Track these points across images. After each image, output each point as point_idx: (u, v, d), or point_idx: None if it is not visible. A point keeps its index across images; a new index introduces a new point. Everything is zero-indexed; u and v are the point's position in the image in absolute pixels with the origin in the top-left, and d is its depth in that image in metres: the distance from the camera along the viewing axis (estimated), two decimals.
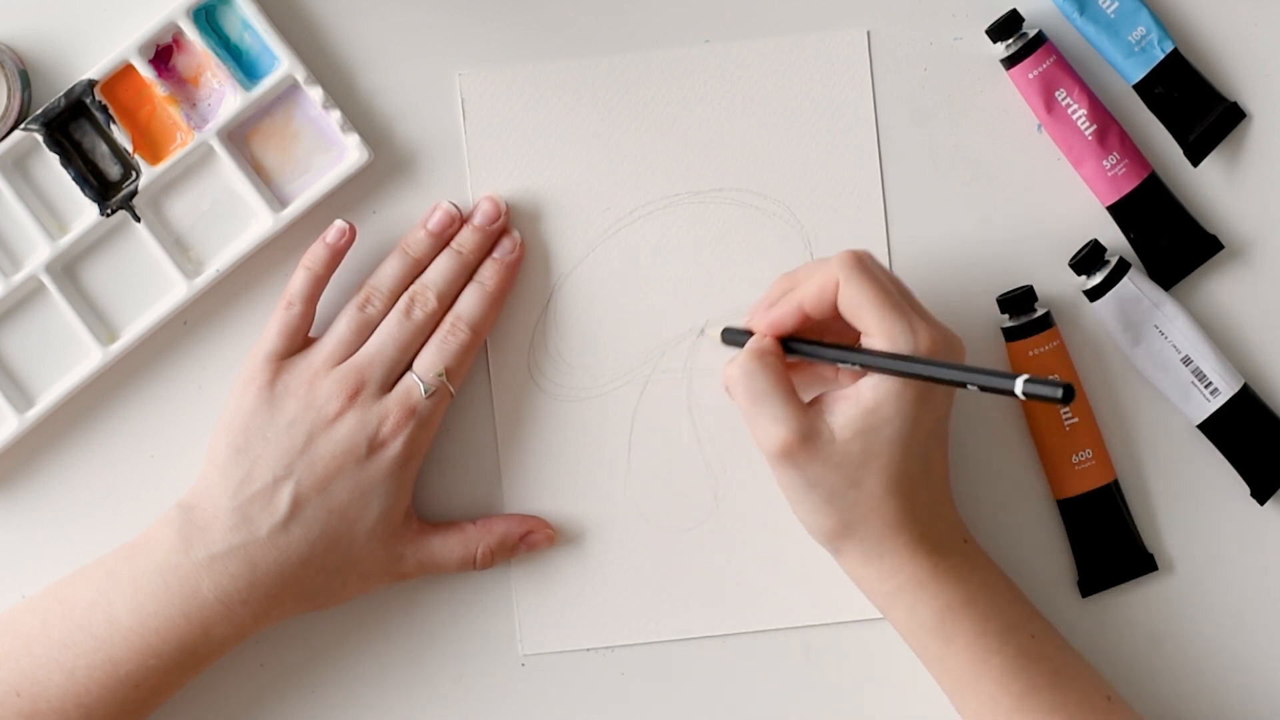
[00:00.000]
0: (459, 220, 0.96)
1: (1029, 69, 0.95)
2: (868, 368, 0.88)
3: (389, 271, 0.95)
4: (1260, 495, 0.97)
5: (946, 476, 0.91)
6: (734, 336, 0.93)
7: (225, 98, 0.96)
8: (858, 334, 0.89)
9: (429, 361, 0.94)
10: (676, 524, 0.98)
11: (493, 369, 0.97)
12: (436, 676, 0.98)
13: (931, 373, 0.86)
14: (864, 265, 0.88)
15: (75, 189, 0.96)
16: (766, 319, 0.90)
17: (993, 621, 0.89)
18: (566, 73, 0.97)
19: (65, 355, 0.96)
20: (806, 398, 0.90)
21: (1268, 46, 0.97)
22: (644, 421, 0.97)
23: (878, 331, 0.87)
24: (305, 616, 0.96)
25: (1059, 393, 0.80)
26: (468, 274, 0.95)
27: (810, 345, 0.90)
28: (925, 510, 0.89)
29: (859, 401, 0.87)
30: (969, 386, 0.85)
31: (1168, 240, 0.97)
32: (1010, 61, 0.96)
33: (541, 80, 0.97)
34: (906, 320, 0.87)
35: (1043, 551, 0.98)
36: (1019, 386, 0.82)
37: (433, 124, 0.97)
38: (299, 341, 0.94)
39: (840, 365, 0.89)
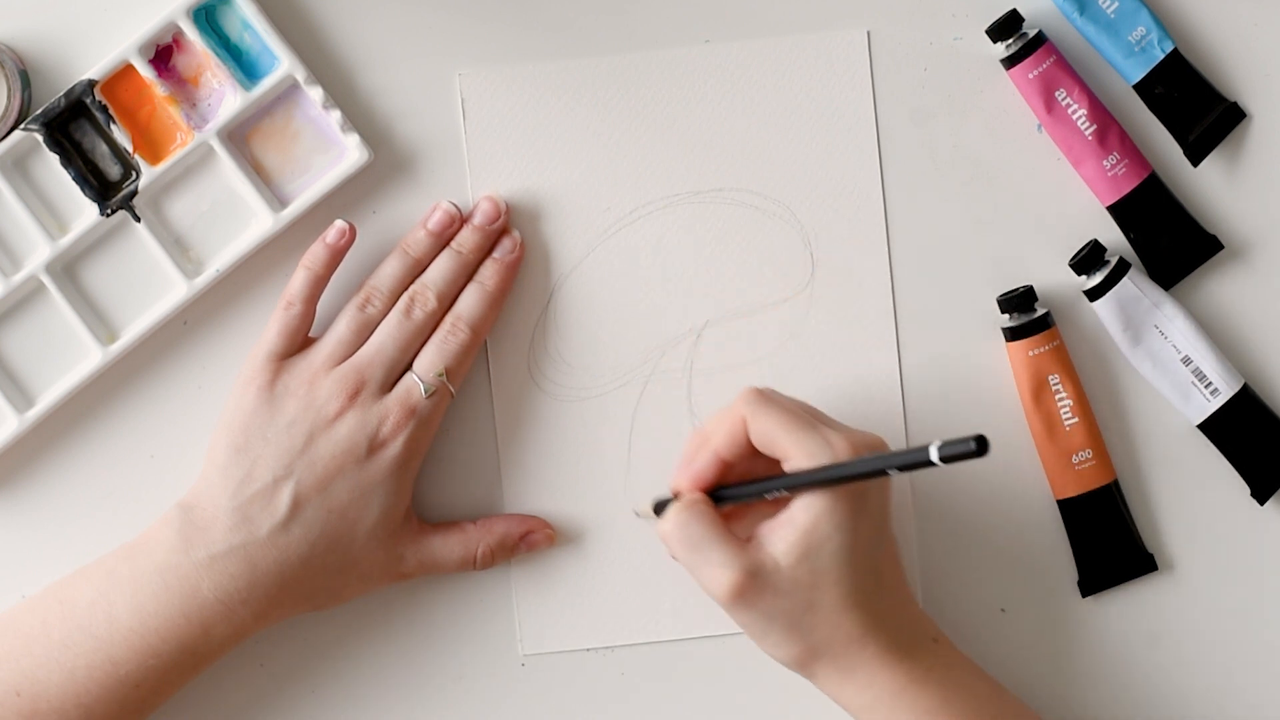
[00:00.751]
0: (459, 220, 0.96)
1: (1029, 69, 0.95)
2: (794, 489, 0.88)
3: (389, 271, 0.95)
4: (1260, 495, 0.97)
5: (902, 578, 0.91)
6: (664, 505, 0.92)
7: (225, 98, 0.96)
8: (778, 465, 0.89)
9: (429, 361, 0.94)
10: None
11: (493, 369, 0.97)
12: (436, 676, 0.98)
13: (854, 470, 0.86)
14: (765, 396, 0.89)
15: (75, 189, 0.96)
16: (687, 476, 0.90)
17: (972, 719, 0.89)
18: (566, 73, 0.97)
19: (65, 355, 0.96)
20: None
21: (1268, 46, 0.97)
22: (644, 421, 0.97)
23: (795, 452, 0.87)
24: (305, 616, 0.96)
25: (972, 446, 0.80)
26: (468, 274, 0.95)
27: (735, 488, 0.90)
28: (887, 616, 0.89)
29: (795, 525, 0.87)
30: (888, 472, 0.85)
31: (1168, 240, 0.97)
32: (1010, 61, 0.96)
33: (541, 80, 0.97)
34: (819, 434, 0.87)
35: (1043, 551, 0.98)
36: (934, 454, 0.82)
37: (433, 124, 0.97)
38: (299, 341, 0.94)
39: (769, 496, 0.89)
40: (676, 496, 0.91)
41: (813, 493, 0.87)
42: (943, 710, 0.89)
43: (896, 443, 0.97)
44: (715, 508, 0.90)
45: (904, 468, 0.84)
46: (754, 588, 0.87)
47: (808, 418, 0.89)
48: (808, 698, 0.97)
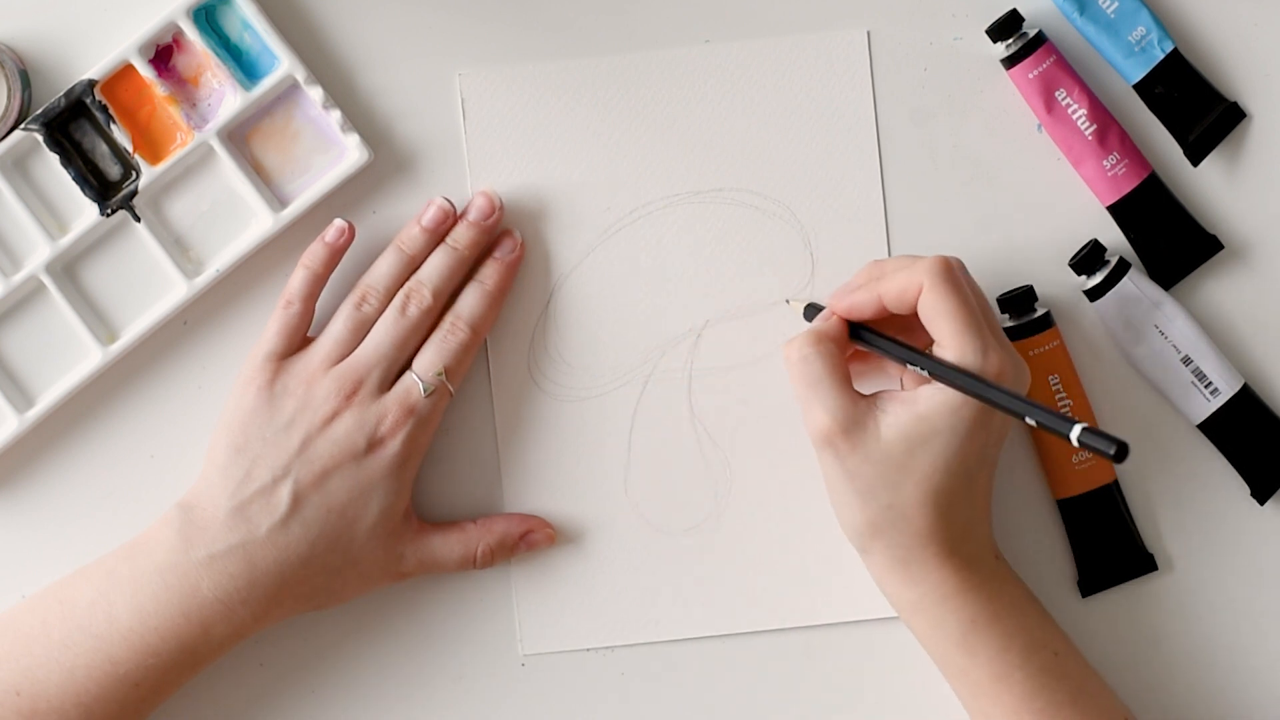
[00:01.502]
0: (453, 216, 0.96)
1: (1029, 69, 0.95)
2: (931, 374, 0.87)
3: (384, 269, 0.95)
4: (1260, 495, 0.97)
5: (989, 497, 0.91)
6: (813, 313, 0.93)
7: (225, 98, 0.96)
8: (927, 337, 0.89)
9: (428, 360, 0.94)
10: (676, 524, 0.98)
11: (493, 369, 0.97)
12: (436, 676, 0.98)
13: (991, 395, 0.86)
14: (951, 275, 0.88)
15: (75, 189, 0.96)
16: (844, 302, 0.91)
17: (1017, 638, 0.89)
18: (566, 73, 0.97)
19: (65, 355, 0.96)
20: (867, 391, 0.90)
21: (1268, 46, 0.97)
22: (644, 421, 0.97)
23: (950, 344, 0.87)
24: (305, 616, 0.96)
25: (1112, 449, 0.81)
26: (463, 270, 0.95)
27: (878, 338, 0.90)
28: (960, 527, 0.89)
29: (913, 407, 0.87)
30: (1026, 419, 0.85)
31: (1168, 240, 0.97)
32: (1010, 61, 0.96)
33: (541, 80, 0.97)
34: (981, 339, 0.87)
35: (1043, 551, 0.98)
36: (1074, 434, 0.82)
37: (433, 124, 0.97)
38: (298, 341, 0.94)
39: (905, 367, 0.89)
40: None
41: (945, 386, 0.87)
42: (989, 622, 0.89)
43: None
44: (845, 346, 0.90)
45: (1041, 425, 0.84)
46: (846, 442, 0.87)
47: (978, 317, 0.88)
48: (808, 698, 0.97)
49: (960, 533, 0.89)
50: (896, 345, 0.90)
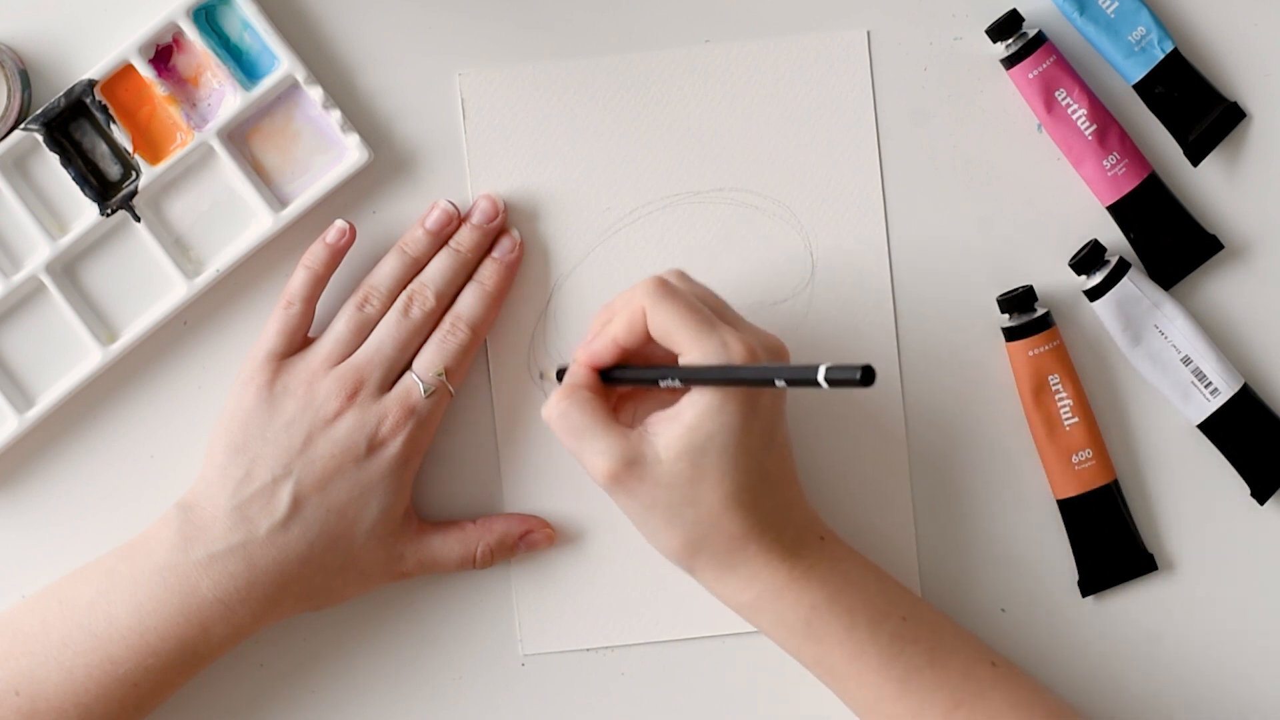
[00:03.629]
0: (457, 219, 0.96)
1: (1029, 69, 0.95)
2: (686, 382, 0.87)
3: (387, 271, 0.95)
4: (1260, 495, 0.97)
5: (793, 478, 0.91)
6: (564, 375, 0.93)
7: (225, 98, 0.96)
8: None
9: (428, 361, 0.94)
10: None
11: (493, 369, 0.97)
12: (436, 676, 0.98)
13: (739, 376, 0.86)
14: (667, 288, 0.88)
15: (75, 189, 0.96)
16: (585, 355, 0.90)
17: (860, 614, 0.88)
18: (566, 73, 0.97)
19: (65, 355, 0.96)
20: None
21: (1268, 46, 0.97)
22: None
23: (691, 349, 0.87)
24: (305, 616, 0.96)
25: (857, 374, 0.79)
26: (466, 273, 0.96)
27: (625, 371, 0.90)
28: (772, 516, 0.89)
29: (680, 420, 0.87)
30: (776, 383, 0.85)
31: (1168, 240, 0.97)
32: (1010, 61, 0.96)
33: (541, 80, 0.97)
34: (717, 335, 0.87)
35: (1043, 551, 0.98)
36: (820, 375, 0.81)
37: (433, 124, 0.97)
38: (298, 341, 0.94)
39: (662, 384, 0.89)
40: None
41: (703, 389, 0.87)
42: (829, 605, 0.88)
43: (895, 445, 0.97)
44: (600, 391, 0.90)
45: (791, 382, 0.84)
46: (633, 476, 0.87)
47: (707, 316, 0.88)
48: (808, 698, 0.97)
49: (775, 522, 0.88)
50: (647, 370, 0.90)
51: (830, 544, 0.90)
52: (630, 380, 0.91)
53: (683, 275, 0.90)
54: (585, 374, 0.90)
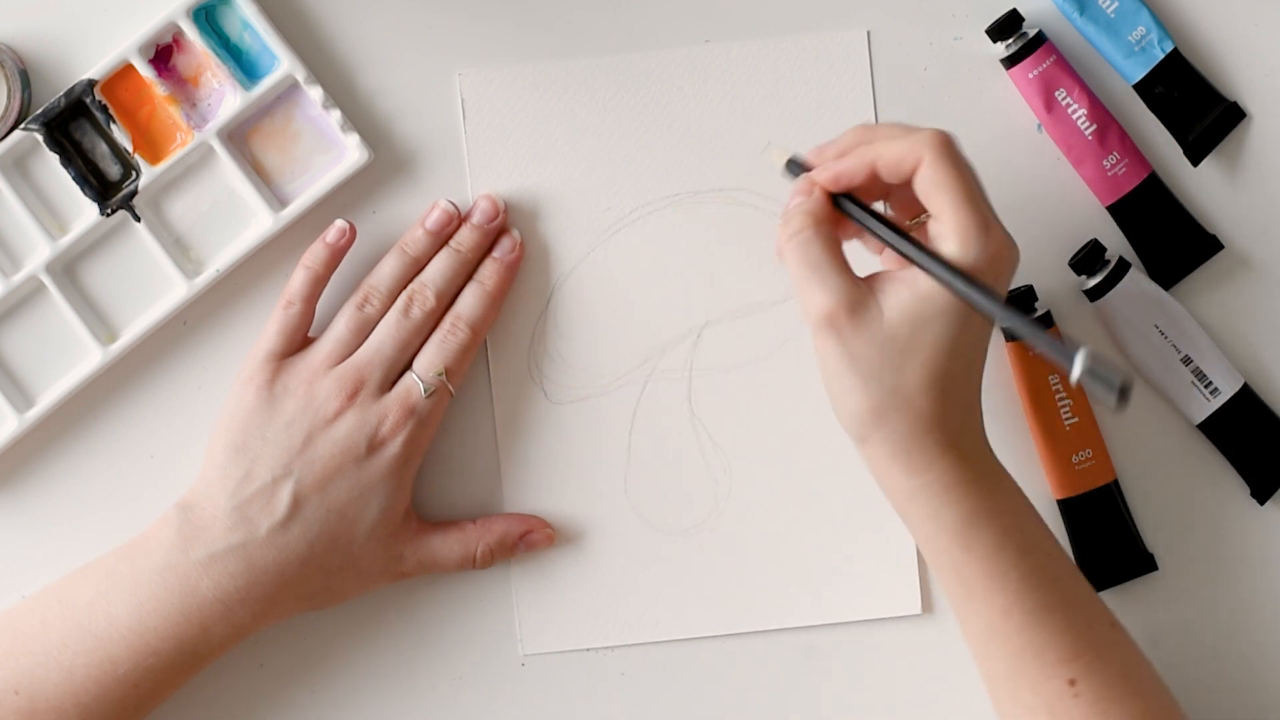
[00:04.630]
0: (457, 219, 0.96)
1: (1029, 69, 0.95)
2: (917, 263, 0.85)
3: (387, 271, 0.95)
4: (1260, 495, 0.97)
5: (980, 390, 0.89)
6: (796, 170, 0.90)
7: (225, 98, 0.96)
8: (915, 206, 0.87)
9: (428, 361, 0.94)
10: (676, 524, 0.98)
11: (493, 369, 0.97)
12: (436, 676, 0.98)
13: (981, 298, 0.83)
14: (953, 149, 0.86)
15: (75, 189, 0.96)
16: (834, 169, 0.88)
17: (1013, 536, 0.87)
18: (566, 73, 0.97)
19: (65, 355, 0.96)
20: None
21: (1268, 46, 0.97)
22: (644, 421, 0.97)
23: (951, 220, 0.85)
24: (305, 616, 0.96)
25: (1117, 387, 0.78)
26: (466, 273, 0.96)
27: (866, 214, 0.87)
28: (960, 414, 0.87)
29: (915, 287, 0.85)
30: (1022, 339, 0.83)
31: (1168, 240, 0.97)
32: (1010, 61, 0.96)
33: (541, 80, 0.97)
34: (982, 215, 0.85)
35: None
36: (1078, 367, 0.79)
37: (433, 124, 0.97)
38: (298, 341, 0.94)
39: (894, 248, 0.86)
40: (808, 170, 0.89)
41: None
42: (988, 517, 0.86)
43: None
44: (838, 226, 0.88)
45: (1037, 346, 0.82)
46: (851, 323, 0.85)
47: (979, 193, 0.86)
48: (808, 698, 0.97)
49: (960, 422, 0.87)
50: (888, 226, 0.87)
51: (997, 464, 0.89)
52: (864, 224, 0.87)
53: (958, 143, 0.87)
54: (825, 202, 0.87)
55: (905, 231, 0.87)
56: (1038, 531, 0.88)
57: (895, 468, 0.87)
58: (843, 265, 0.86)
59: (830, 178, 0.88)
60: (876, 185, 0.88)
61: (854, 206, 0.88)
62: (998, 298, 0.84)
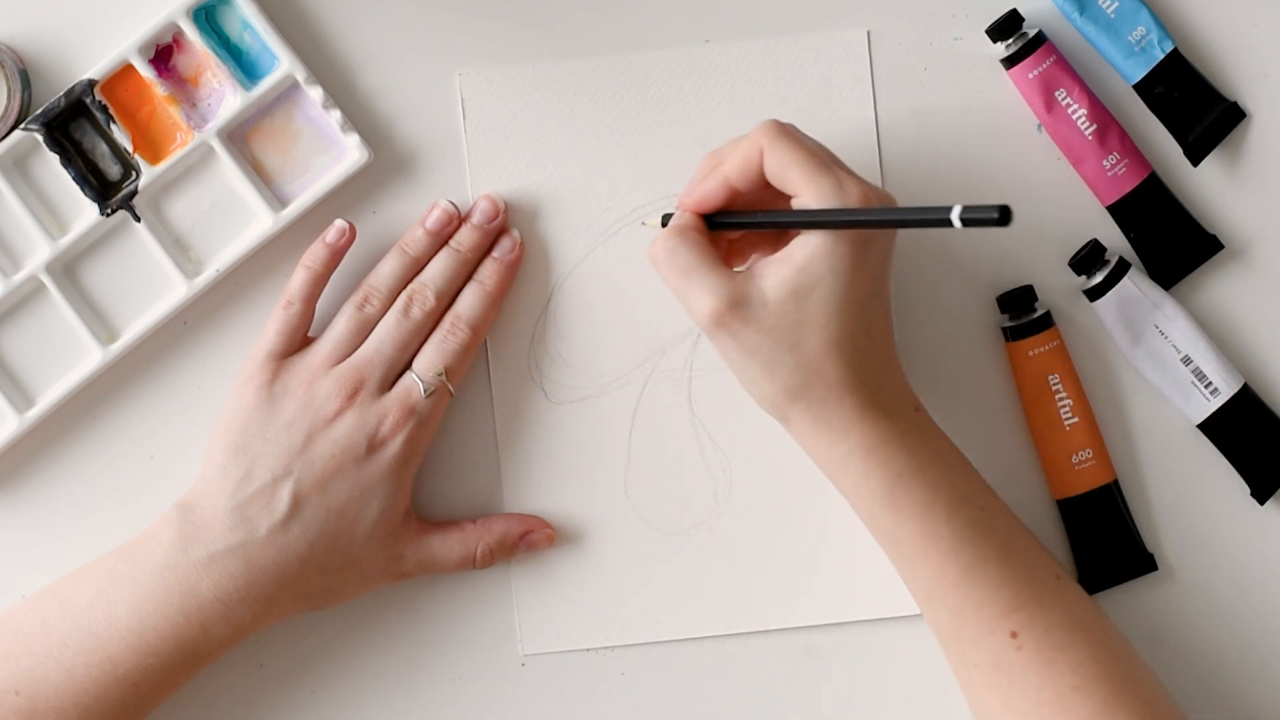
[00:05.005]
0: (457, 219, 0.96)
1: (1029, 69, 0.95)
2: (800, 226, 0.87)
3: (387, 270, 0.95)
4: (1260, 495, 0.97)
5: (891, 340, 0.90)
6: (668, 221, 0.92)
7: (225, 98, 0.96)
8: (788, 202, 0.88)
9: (428, 361, 0.94)
10: (676, 524, 0.98)
11: (493, 369, 0.97)
12: (436, 676, 0.98)
13: (861, 218, 0.85)
14: (785, 130, 0.88)
15: (75, 189, 0.96)
16: (695, 193, 0.89)
17: (942, 493, 0.88)
18: (566, 73, 0.97)
19: (65, 355, 0.96)
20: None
21: (1268, 46, 0.97)
22: (644, 421, 0.97)
23: (806, 189, 0.86)
24: (305, 616, 0.96)
25: (994, 214, 0.79)
26: (466, 272, 0.96)
27: (736, 216, 0.89)
28: (871, 372, 0.88)
29: (790, 262, 0.86)
30: (901, 228, 0.84)
31: (1168, 240, 0.97)
32: (1010, 61, 0.96)
33: (541, 80, 0.97)
34: (834, 176, 0.86)
35: None
36: (955, 215, 0.80)
37: (433, 124, 0.97)
38: (298, 341, 0.94)
39: (776, 229, 0.88)
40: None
41: (813, 232, 0.86)
42: (914, 475, 0.87)
43: None
44: (707, 234, 0.89)
45: (919, 224, 0.83)
46: (737, 318, 0.86)
47: (826, 158, 0.88)
48: (808, 698, 0.97)
49: (873, 380, 0.88)
50: (753, 214, 0.89)
51: (923, 417, 0.90)
52: (739, 225, 0.89)
53: (794, 126, 0.89)
54: (693, 218, 0.89)
55: (776, 210, 0.88)
56: (969, 485, 0.88)
57: (819, 439, 0.88)
58: (715, 263, 0.88)
59: (694, 201, 0.90)
60: (741, 200, 0.90)
61: (725, 217, 0.89)
62: (876, 210, 0.85)
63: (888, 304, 0.89)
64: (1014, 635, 0.86)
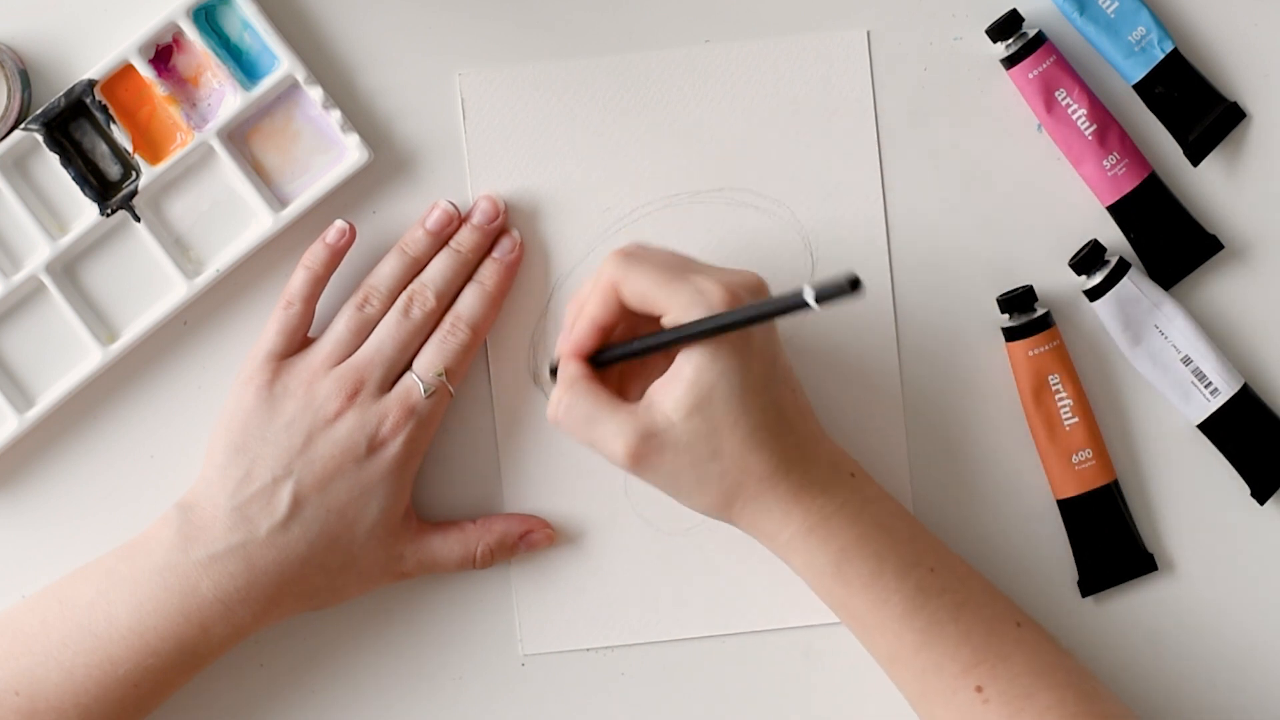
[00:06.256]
0: (457, 219, 0.96)
1: (1029, 69, 0.95)
2: (675, 342, 0.87)
3: (387, 271, 0.95)
4: (1260, 495, 0.97)
5: (809, 413, 0.90)
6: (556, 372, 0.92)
7: (225, 98, 0.96)
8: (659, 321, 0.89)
9: (428, 361, 0.94)
10: (676, 524, 0.98)
11: (493, 369, 0.97)
12: (436, 676, 0.98)
13: (725, 320, 0.85)
14: (630, 255, 0.88)
15: (75, 189, 0.96)
16: (569, 345, 0.90)
17: (889, 560, 0.88)
18: (566, 73, 0.97)
19: (65, 355, 0.96)
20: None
21: (1268, 46, 0.97)
22: None
23: (670, 306, 0.87)
24: (305, 616, 0.96)
25: (844, 285, 0.78)
26: (466, 273, 0.96)
27: (617, 348, 0.90)
28: (797, 451, 0.88)
29: (681, 379, 0.87)
30: (765, 321, 0.85)
31: (1168, 240, 0.97)
32: (1010, 61, 0.96)
33: (541, 80, 0.97)
34: (691, 284, 0.87)
35: (1043, 551, 0.98)
36: (808, 295, 0.80)
37: (433, 124, 0.97)
38: (298, 341, 0.94)
39: (657, 352, 0.88)
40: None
41: (694, 344, 0.86)
42: (858, 548, 0.88)
43: (895, 445, 0.97)
44: (595, 377, 0.89)
45: (779, 313, 0.84)
46: (652, 449, 0.87)
47: (678, 269, 0.88)
48: (808, 698, 0.97)
49: (802, 457, 0.88)
50: (634, 342, 0.89)
51: (861, 481, 0.90)
52: (621, 356, 0.90)
53: (640, 244, 0.90)
54: (576, 365, 0.90)
55: (649, 333, 0.88)
56: (916, 547, 0.89)
57: (763, 530, 0.89)
58: (614, 404, 0.88)
59: (570, 348, 0.90)
60: (617, 331, 0.90)
61: (605, 352, 0.90)
62: (735, 312, 0.85)
63: (792, 379, 0.90)
64: (979, 690, 0.87)
